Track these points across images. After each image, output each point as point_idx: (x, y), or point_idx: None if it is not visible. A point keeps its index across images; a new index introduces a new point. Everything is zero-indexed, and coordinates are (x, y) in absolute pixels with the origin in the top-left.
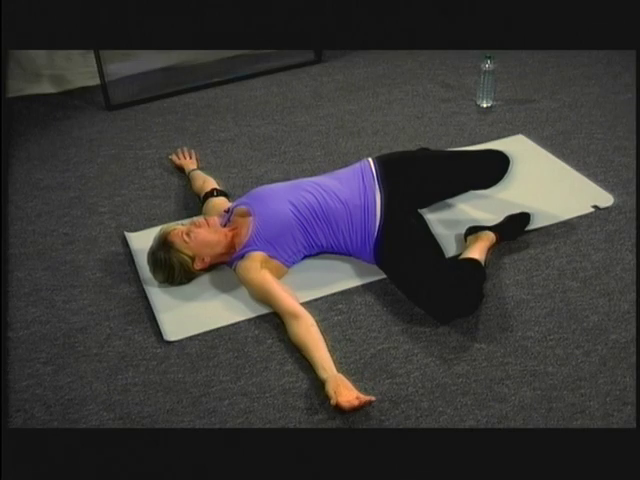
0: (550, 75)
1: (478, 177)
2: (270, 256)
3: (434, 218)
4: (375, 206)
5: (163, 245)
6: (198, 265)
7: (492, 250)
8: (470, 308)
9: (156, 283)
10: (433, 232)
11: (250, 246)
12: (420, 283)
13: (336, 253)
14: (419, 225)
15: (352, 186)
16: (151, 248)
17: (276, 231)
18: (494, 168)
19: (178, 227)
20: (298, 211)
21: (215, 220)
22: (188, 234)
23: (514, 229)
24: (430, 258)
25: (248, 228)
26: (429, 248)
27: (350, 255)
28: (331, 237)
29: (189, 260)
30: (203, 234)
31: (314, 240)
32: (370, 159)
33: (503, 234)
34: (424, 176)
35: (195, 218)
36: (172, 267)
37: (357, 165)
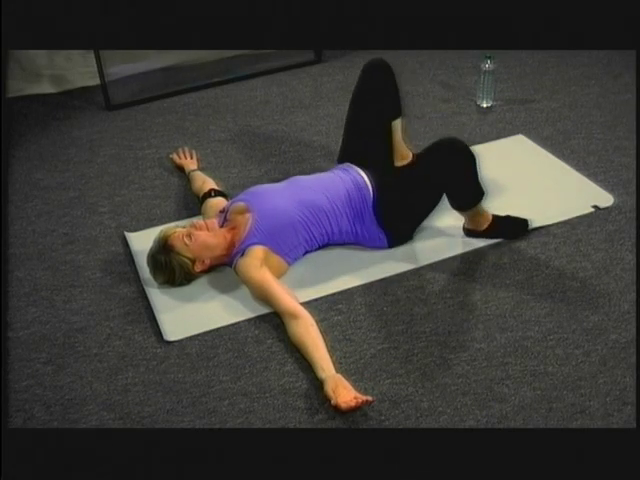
0: (550, 75)
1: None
2: (271, 250)
3: (432, 221)
4: (363, 180)
5: (163, 248)
6: (198, 267)
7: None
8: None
9: (156, 283)
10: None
11: (250, 239)
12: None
13: (337, 243)
14: None
15: (337, 172)
16: (151, 250)
17: (276, 224)
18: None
19: (178, 230)
20: (298, 202)
21: (214, 222)
22: (188, 237)
23: (512, 224)
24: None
25: (246, 225)
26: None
27: (352, 238)
28: (332, 219)
29: (189, 263)
30: (203, 237)
31: (315, 229)
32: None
33: (497, 220)
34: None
35: (195, 219)
36: (172, 270)
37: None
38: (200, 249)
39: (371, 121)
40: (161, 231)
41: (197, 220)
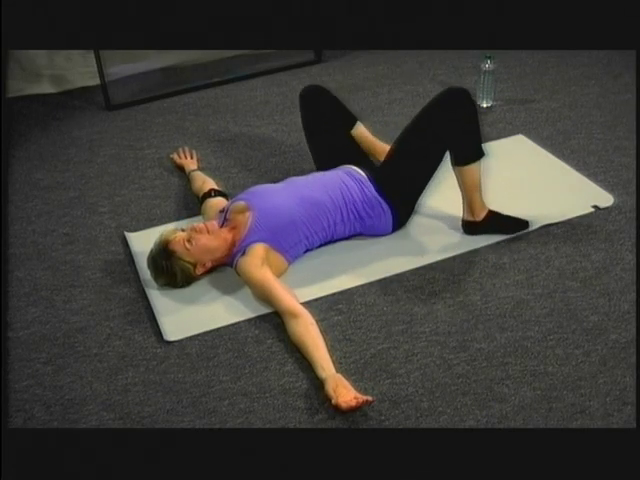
0: (550, 75)
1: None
2: (272, 247)
3: (431, 219)
4: (357, 170)
5: (164, 253)
6: (200, 270)
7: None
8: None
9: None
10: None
11: (251, 237)
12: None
13: (340, 237)
14: None
15: (332, 171)
16: (151, 253)
17: (277, 221)
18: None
19: (178, 234)
20: (300, 199)
21: (214, 225)
22: (189, 241)
23: (511, 221)
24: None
25: (247, 223)
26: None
27: (358, 225)
28: (334, 211)
29: (191, 267)
30: (204, 240)
31: (317, 225)
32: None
33: (496, 213)
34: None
35: (195, 220)
36: (174, 274)
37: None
38: (201, 253)
39: (332, 142)
40: (161, 235)
41: (197, 223)
